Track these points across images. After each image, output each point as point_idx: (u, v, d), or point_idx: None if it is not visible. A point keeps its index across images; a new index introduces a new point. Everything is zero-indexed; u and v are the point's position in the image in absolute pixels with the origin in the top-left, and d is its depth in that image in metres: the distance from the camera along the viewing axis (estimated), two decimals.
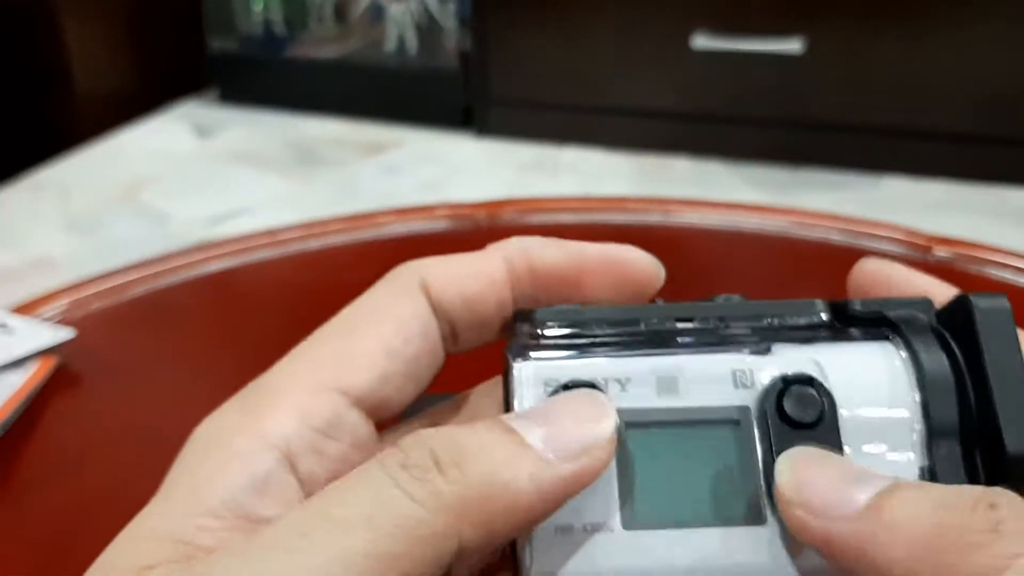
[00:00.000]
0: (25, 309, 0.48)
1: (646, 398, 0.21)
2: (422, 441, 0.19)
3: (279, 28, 1.98)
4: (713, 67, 1.71)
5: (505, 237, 0.25)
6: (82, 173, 1.76)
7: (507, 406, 0.21)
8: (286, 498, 0.21)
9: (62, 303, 0.49)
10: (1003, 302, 0.21)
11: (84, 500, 0.38)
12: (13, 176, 1.72)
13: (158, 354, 0.47)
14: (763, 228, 0.56)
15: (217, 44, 2.01)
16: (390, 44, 1.92)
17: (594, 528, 0.20)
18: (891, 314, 0.22)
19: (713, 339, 0.22)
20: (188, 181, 1.73)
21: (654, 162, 1.77)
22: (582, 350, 0.21)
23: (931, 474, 0.20)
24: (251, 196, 1.66)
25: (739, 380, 0.21)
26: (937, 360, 0.21)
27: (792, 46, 1.65)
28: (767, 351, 0.21)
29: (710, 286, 0.25)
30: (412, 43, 1.90)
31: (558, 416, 0.19)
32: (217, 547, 0.19)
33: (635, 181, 1.71)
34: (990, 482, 0.20)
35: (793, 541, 0.20)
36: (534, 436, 0.19)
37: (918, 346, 0.21)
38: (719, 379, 0.21)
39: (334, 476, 0.20)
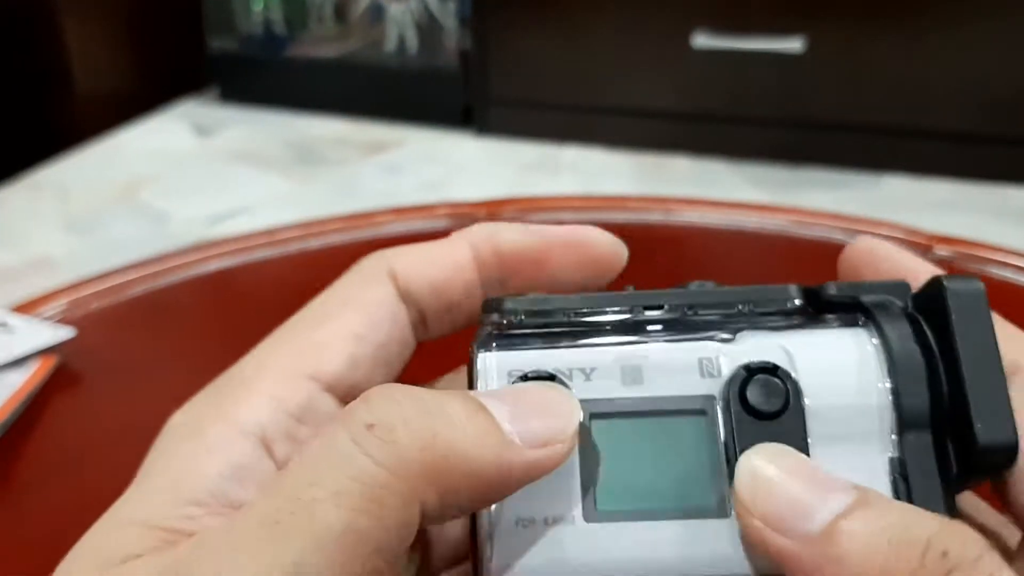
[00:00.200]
0: (25, 308, 0.48)
1: (611, 388, 0.20)
2: (390, 396, 0.19)
3: (279, 28, 1.98)
4: (713, 66, 1.71)
5: None
6: (81, 173, 1.76)
7: None
8: (265, 483, 0.21)
9: (62, 303, 0.49)
10: (977, 285, 0.20)
11: (84, 500, 0.37)
12: (13, 176, 1.72)
13: (158, 354, 0.47)
14: (764, 227, 0.56)
15: (217, 44, 2.01)
16: (390, 44, 1.92)
17: (555, 520, 0.20)
18: (865, 299, 0.21)
19: (681, 327, 0.21)
20: (188, 180, 1.73)
21: (654, 161, 1.77)
22: (548, 340, 0.21)
23: (900, 466, 0.19)
24: (251, 195, 1.66)
25: (705, 369, 0.20)
26: (908, 346, 0.20)
27: (792, 45, 1.65)
28: (734, 339, 0.21)
29: None
30: (412, 43, 1.90)
31: (525, 404, 0.19)
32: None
33: (636, 180, 1.71)
34: (962, 473, 0.19)
35: None
36: (502, 416, 0.19)
37: (890, 332, 0.20)
38: (685, 368, 0.20)
39: None
